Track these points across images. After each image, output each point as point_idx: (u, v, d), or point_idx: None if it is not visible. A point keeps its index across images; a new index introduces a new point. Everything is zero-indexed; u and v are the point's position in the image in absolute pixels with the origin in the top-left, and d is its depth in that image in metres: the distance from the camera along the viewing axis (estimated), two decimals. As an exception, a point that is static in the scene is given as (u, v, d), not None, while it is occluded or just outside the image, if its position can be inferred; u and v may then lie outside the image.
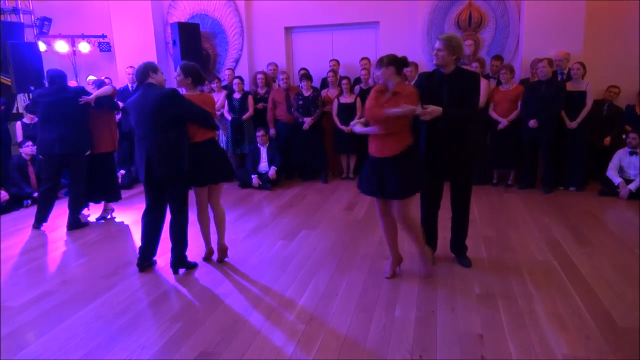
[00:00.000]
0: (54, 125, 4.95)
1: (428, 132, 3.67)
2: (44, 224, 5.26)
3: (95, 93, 5.08)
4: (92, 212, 5.60)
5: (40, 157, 5.29)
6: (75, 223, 5.20)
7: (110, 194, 5.45)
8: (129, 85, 7.39)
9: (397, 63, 3.29)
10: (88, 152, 5.16)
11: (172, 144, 3.70)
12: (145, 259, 3.99)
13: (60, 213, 5.77)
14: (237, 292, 3.53)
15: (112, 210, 5.64)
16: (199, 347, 2.82)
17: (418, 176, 3.43)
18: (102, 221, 5.48)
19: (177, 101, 3.67)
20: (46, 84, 5.23)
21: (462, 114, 3.53)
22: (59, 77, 5.07)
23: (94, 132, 5.17)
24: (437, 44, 3.51)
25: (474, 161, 3.75)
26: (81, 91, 5.11)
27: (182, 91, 3.85)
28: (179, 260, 3.93)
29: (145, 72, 3.75)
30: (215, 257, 4.17)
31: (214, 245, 4.17)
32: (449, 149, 3.62)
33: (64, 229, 5.17)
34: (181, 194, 3.87)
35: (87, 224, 5.33)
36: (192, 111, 3.73)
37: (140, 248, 3.98)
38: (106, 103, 5.12)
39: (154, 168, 3.72)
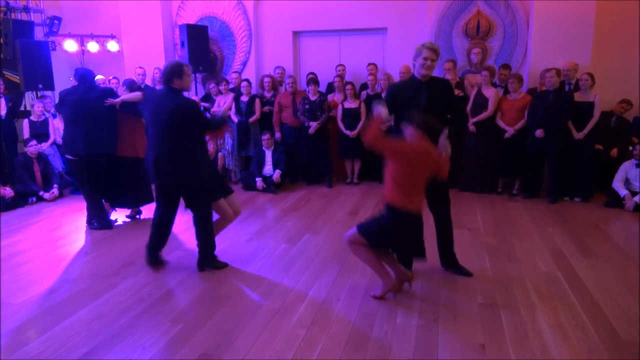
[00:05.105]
0: (79, 124, 4.84)
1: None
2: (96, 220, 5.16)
3: (123, 97, 4.96)
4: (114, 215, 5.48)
5: (68, 156, 5.09)
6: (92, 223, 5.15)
7: (116, 200, 5.30)
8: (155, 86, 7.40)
9: None
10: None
11: (183, 152, 3.70)
12: (150, 254, 4.02)
13: (65, 211, 5.80)
14: (239, 295, 3.53)
15: (141, 213, 5.53)
16: (200, 349, 2.82)
17: None
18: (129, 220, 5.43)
19: (195, 116, 3.71)
20: (75, 82, 5.05)
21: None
22: (87, 76, 4.99)
23: (119, 135, 5.04)
24: (429, 54, 3.45)
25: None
26: (109, 92, 5.02)
27: None
28: (204, 259, 3.97)
29: (170, 77, 3.71)
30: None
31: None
32: None
33: (68, 227, 5.18)
34: (199, 199, 3.87)
35: (110, 226, 5.15)
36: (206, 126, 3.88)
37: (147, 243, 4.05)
38: (130, 109, 4.95)
39: (162, 173, 3.76)
